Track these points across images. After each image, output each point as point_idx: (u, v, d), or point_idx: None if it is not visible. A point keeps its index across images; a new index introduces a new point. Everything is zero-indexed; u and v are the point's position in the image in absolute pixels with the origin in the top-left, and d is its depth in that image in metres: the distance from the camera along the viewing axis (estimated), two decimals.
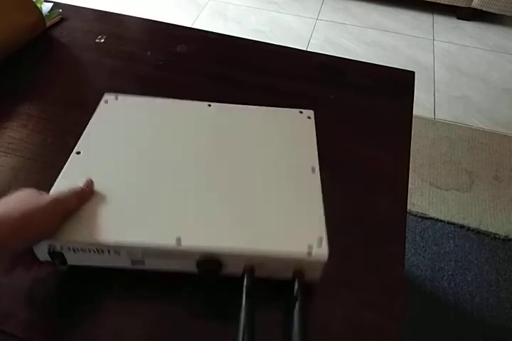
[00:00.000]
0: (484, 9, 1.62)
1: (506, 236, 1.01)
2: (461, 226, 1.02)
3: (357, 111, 0.56)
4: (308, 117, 0.47)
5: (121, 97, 0.48)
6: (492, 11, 1.62)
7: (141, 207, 0.37)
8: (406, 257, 0.86)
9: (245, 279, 0.34)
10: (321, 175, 0.41)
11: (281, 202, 0.38)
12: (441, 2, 1.64)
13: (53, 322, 0.35)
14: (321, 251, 0.34)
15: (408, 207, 0.46)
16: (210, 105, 0.48)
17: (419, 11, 1.76)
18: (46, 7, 0.67)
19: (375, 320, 0.36)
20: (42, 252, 0.35)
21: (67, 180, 0.38)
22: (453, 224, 1.03)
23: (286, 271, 0.35)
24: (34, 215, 0.31)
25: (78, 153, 0.41)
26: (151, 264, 0.36)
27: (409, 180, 0.48)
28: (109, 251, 0.34)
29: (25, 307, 0.35)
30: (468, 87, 1.44)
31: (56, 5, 0.68)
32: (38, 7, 0.63)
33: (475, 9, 1.65)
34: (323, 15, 1.74)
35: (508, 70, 1.51)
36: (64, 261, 0.35)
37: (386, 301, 0.37)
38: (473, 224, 1.03)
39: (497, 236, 1.01)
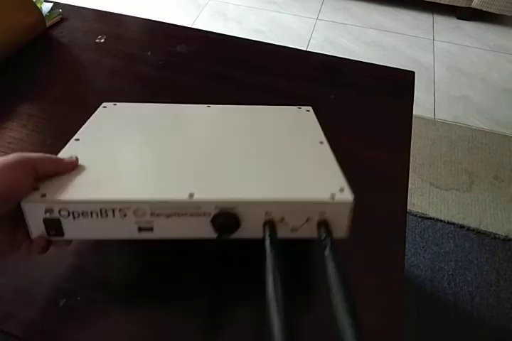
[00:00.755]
0: (484, 9, 1.62)
1: (506, 236, 1.01)
2: (461, 226, 1.02)
3: (357, 111, 0.56)
4: (307, 110, 0.48)
5: (120, 104, 0.47)
6: (492, 10, 1.62)
7: (150, 168, 0.34)
8: (406, 257, 0.86)
9: (267, 230, 0.30)
10: None
11: (295, 160, 0.36)
12: (441, 2, 1.65)
13: (53, 322, 0.35)
14: (345, 195, 0.31)
15: (408, 207, 0.46)
16: (209, 106, 0.48)
17: (419, 11, 1.76)
18: (46, 7, 0.66)
19: (375, 320, 0.36)
20: (36, 220, 0.30)
21: None
22: (453, 224, 1.03)
23: (309, 223, 0.31)
24: None
25: (77, 140, 0.39)
26: (160, 230, 0.31)
27: (409, 180, 0.47)
28: (113, 213, 0.30)
29: (25, 307, 0.35)
30: (469, 87, 1.44)
31: (56, 5, 0.68)
32: (38, 7, 0.63)
33: (475, 9, 1.65)
34: (323, 15, 1.74)
35: (508, 70, 1.51)
36: (61, 231, 0.31)
37: (386, 301, 0.37)
38: (473, 224, 1.03)
39: (497, 236, 1.01)
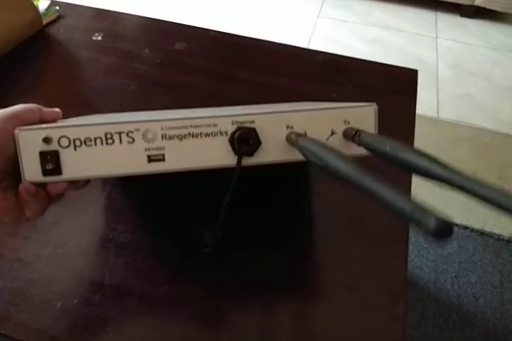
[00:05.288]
0: (488, 7, 1.61)
1: (510, 238, 1.00)
2: (465, 228, 1.01)
3: None
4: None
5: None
6: (495, 8, 1.60)
7: (152, 112, 0.33)
8: (409, 258, 0.85)
9: (294, 135, 0.27)
10: (321, 176, 0.40)
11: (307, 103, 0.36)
12: (445, 0, 1.63)
13: (51, 323, 0.35)
14: (367, 104, 0.30)
15: None
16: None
17: (422, 9, 1.75)
18: (43, 5, 0.66)
19: (378, 322, 0.36)
20: (31, 155, 0.26)
21: None
22: (456, 225, 1.02)
23: (334, 138, 0.29)
24: None
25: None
26: (173, 158, 0.27)
27: (412, 180, 0.47)
28: (120, 138, 0.26)
29: (22, 309, 0.35)
30: (472, 86, 1.43)
31: (53, 2, 0.68)
32: (34, 5, 0.62)
33: (478, 7, 1.64)
34: (324, 12, 1.72)
35: (511, 68, 1.50)
36: (59, 168, 0.26)
37: (389, 303, 0.37)
38: (477, 225, 1.02)
39: (501, 237, 1.00)
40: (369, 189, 0.19)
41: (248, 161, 0.28)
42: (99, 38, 0.64)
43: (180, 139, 0.27)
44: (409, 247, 0.42)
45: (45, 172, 0.26)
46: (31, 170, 0.26)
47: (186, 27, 0.67)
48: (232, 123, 0.27)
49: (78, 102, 0.54)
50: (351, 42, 1.58)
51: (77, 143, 0.26)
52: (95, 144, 0.26)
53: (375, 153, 0.26)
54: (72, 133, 0.26)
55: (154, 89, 0.56)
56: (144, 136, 0.27)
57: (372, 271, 0.39)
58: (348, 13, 1.72)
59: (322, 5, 1.77)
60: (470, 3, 1.63)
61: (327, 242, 0.41)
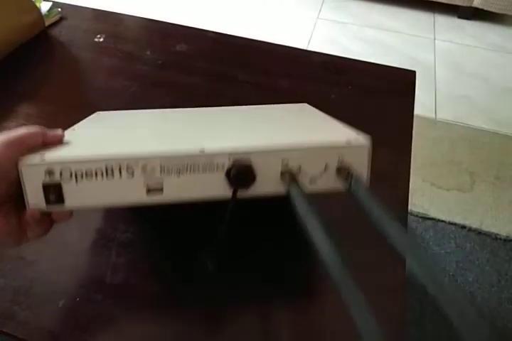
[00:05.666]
0: (485, 8, 1.62)
1: (507, 237, 1.00)
2: (463, 227, 1.02)
3: (357, 110, 0.56)
4: (304, 106, 0.48)
5: (114, 111, 0.45)
6: (493, 10, 1.61)
7: (157, 129, 0.34)
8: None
9: (287, 179, 0.29)
10: None
11: (300, 120, 0.37)
12: (442, 1, 1.64)
13: (53, 322, 0.35)
14: (361, 140, 0.31)
15: (409, 208, 0.46)
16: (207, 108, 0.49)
17: (419, 10, 1.76)
18: (45, 6, 0.66)
19: (376, 321, 0.36)
20: (34, 186, 0.27)
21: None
22: (454, 224, 1.02)
23: (328, 173, 0.30)
24: None
25: (73, 130, 0.37)
26: (171, 191, 0.29)
27: (410, 180, 0.47)
28: (120, 171, 0.27)
29: (24, 307, 0.35)
30: (470, 87, 1.43)
31: (55, 4, 0.68)
32: (36, 6, 0.63)
33: (476, 8, 1.65)
34: (323, 14, 1.73)
35: (509, 70, 1.51)
36: (61, 198, 0.27)
37: (387, 302, 0.37)
38: (475, 225, 1.03)
39: (498, 236, 1.00)
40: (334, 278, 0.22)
41: (243, 193, 0.29)
42: (101, 40, 0.64)
43: (179, 173, 0.28)
44: None
45: (49, 202, 0.28)
46: (35, 199, 0.28)
47: (187, 28, 0.67)
48: (229, 158, 0.28)
49: (80, 103, 0.54)
50: (350, 43, 1.58)
51: (79, 176, 0.27)
52: (96, 177, 0.27)
53: (359, 206, 0.28)
54: (74, 167, 0.27)
55: (155, 89, 0.57)
56: (143, 170, 0.28)
57: (370, 270, 0.39)
58: (346, 15, 1.73)
59: (321, 7, 1.78)
60: (468, 5, 1.64)
61: None
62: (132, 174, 0.28)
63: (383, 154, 0.50)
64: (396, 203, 0.45)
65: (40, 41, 0.63)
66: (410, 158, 0.50)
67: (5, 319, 0.34)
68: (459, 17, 1.73)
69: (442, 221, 1.03)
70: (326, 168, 0.30)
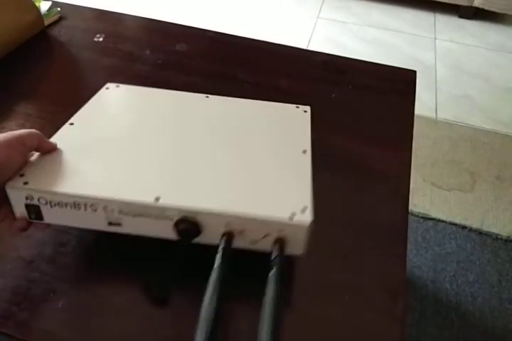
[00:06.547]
0: (486, 8, 1.61)
1: (508, 237, 1.00)
2: (463, 227, 1.02)
3: (358, 110, 0.56)
4: (305, 111, 0.47)
5: (123, 86, 0.49)
6: (494, 9, 1.61)
7: (123, 165, 0.36)
8: (408, 258, 0.85)
9: (222, 241, 0.32)
10: (321, 175, 0.40)
11: (268, 170, 0.37)
12: (443, 1, 1.64)
13: (53, 323, 0.35)
14: (305, 216, 0.32)
15: (410, 208, 0.46)
16: (207, 97, 0.49)
17: (420, 10, 1.75)
18: (44, 6, 0.66)
19: (377, 321, 0.36)
20: (18, 204, 0.33)
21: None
22: (455, 224, 1.02)
23: (266, 239, 0.33)
24: None
25: (72, 124, 0.41)
26: (128, 226, 0.34)
27: (411, 180, 0.47)
28: (85, 207, 0.33)
29: (23, 308, 0.35)
30: (470, 86, 1.43)
31: (55, 3, 0.68)
32: (36, 6, 0.63)
33: (477, 8, 1.64)
34: (323, 13, 1.73)
35: (510, 69, 1.51)
36: (40, 216, 0.34)
37: (387, 302, 0.37)
38: (475, 225, 1.02)
39: (499, 236, 1.00)
40: None
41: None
42: (101, 39, 0.64)
43: (134, 216, 0.33)
44: (408, 246, 0.43)
45: (30, 217, 0.34)
46: (20, 213, 0.34)
47: (187, 28, 0.67)
48: (178, 213, 0.32)
49: (79, 103, 0.54)
50: (350, 43, 1.58)
51: (52, 203, 0.33)
52: (66, 207, 0.33)
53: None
54: (48, 197, 0.33)
55: None
56: (104, 209, 0.33)
57: (371, 271, 0.39)
58: (347, 14, 1.73)
59: (321, 6, 1.77)
60: (468, 5, 1.64)
61: (326, 242, 0.41)
62: (95, 210, 0.33)
63: (384, 154, 0.50)
64: (397, 203, 0.45)
65: (40, 41, 0.63)
66: (411, 157, 0.50)
67: (4, 319, 0.34)
68: (460, 16, 1.73)
69: (443, 221, 1.02)
70: (265, 235, 0.32)
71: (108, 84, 0.49)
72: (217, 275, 0.30)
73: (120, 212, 0.33)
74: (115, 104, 0.46)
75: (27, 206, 0.33)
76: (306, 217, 0.32)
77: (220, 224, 0.32)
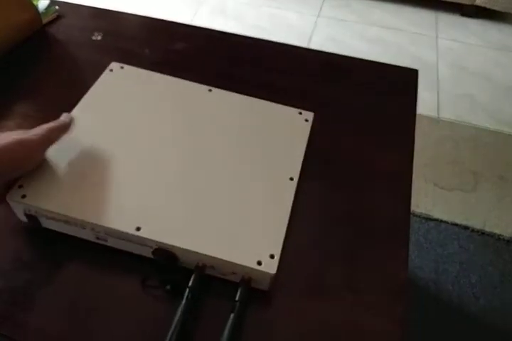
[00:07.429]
0: (488, 7, 1.61)
1: (511, 238, 1.00)
2: (465, 228, 1.01)
3: (359, 109, 0.55)
4: (306, 120, 0.46)
5: (127, 67, 0.51)
6: (496, 8, 1.60)
7: (112, 189, 0.38)
8: (410, 259, 0.85)
9: (192, 279, 0.35)
10: (321, 175, 0.40)
11: (247, 208, 0.38)
12: None
13: (52, 323, 0.35)
14: (271, 264, 0.34)
15: (412, 208, 0.45)
16: (210, 90, 0.49)
17: (422, 8, 1.75)
18: (42, 4, 0.65)
19: (378, 322, 0.36)
20: (19, 211, 0.38)
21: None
22: (457, 225, 1.02)
23: (235, 275, 0.36)
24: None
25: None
26: (113, 243, 0.38)
27: (413, 181, 0.47)
28: (75, 224, 0.37)
29: (22, 309, 0.35)
30: (473, 86, 1.42)
31: (53, 2, 0.67)
32: (33, 4, 0.62)
33: (479, 7, 1.63)
34: (324, 12, 1.72)
35: None
36: (38, 223, 0.38)
37: (389, 303, 0.37)
38: (478, 225, 1.02)
39: (501, 237, 1.00)
40: None
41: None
42: (99, 38, 0.63)
43: (119, 238, 0.37)
44: (410, 247, 0.42)
45: (31, 223, 0.39)
46: (21, 218, 0.39)
47: (186, 27, 0.67)
48: (156, 244, 0.36)
49: (77, 102, 0.54)
50: (352, 41, 1.58)
51: (48, 216, 0.37)
52: (59, 221, 0.37)
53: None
54: (43, 212, 0.37)
55: None
56: (92, 229, 0.37)
57: (373, 271, 0.39)
58: (348, 13, 1.72)
59: (322, 4, 1.77)
60: (471, 3, 1.63)
61: (327, 242, 0.41)
62: (84, 228, 0.37)
63: (385, 154, 0.50)
64: (399, 203, 0.44)
65: (38, 39, 0.63)
66: (413, 157, 0.49)
67: (2, 320, 0.34)
68: (462, 15, 1.72)
69: (445, 222, 1.02)
70: (233, 273, 0.36)
71: (112, 64, 0.50)
72: (184, 308, 0.33)
73: (106, 233, 0.37)
74: (117, 93, 0.48)
75: (26, 214, 0.38)
76: (272, 266, 0.34)
77: (193, 258, 0.36)
